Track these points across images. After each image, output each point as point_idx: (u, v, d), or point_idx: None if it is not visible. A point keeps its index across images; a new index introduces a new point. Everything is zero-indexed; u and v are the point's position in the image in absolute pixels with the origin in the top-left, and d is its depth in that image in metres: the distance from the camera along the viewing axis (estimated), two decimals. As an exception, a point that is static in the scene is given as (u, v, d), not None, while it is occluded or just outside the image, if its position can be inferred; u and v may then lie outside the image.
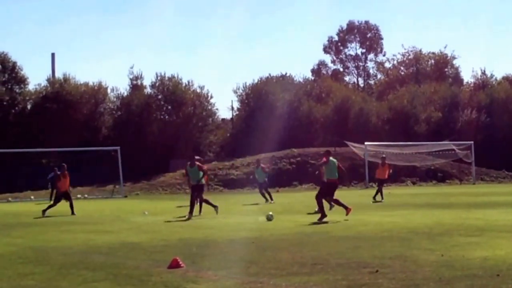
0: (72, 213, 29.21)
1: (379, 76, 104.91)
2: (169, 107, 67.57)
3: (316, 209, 27.10)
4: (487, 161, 61.76)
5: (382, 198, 34.18)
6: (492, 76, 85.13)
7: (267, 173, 36.54)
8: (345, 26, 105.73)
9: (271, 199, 34.99)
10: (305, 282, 10.76)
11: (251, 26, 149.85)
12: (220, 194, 48.39)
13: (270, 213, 22.59)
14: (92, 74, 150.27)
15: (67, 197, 30.13)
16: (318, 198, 22.80)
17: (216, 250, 15.30)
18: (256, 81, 73.17)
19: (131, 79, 69.58)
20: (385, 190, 36.77)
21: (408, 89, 78.40)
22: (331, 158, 23.40)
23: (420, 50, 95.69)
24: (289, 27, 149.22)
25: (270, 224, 21.39)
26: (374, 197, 34.42)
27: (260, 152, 57.30)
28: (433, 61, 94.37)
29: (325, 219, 21.88)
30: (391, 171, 36.25)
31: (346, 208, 22.85)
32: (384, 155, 38.50)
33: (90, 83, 66.81)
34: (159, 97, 68.11)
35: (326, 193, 23.26)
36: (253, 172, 54.22)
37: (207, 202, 25.99)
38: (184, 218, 24.65)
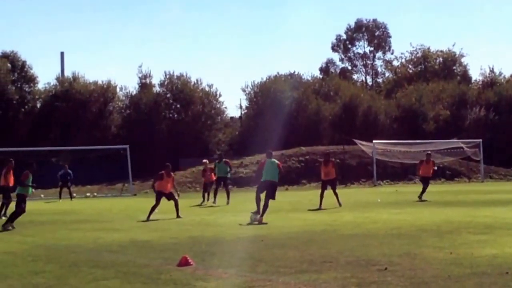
0: (4, 214, 26.84)
1: (387, 74, 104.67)
2: (178, 105, 67.56)
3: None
4: (495, 159, 61.65)
5: (422, 196, 32.37)
6: (500, 74, 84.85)
7: (230, 169, 34.95)
8: (353, 25, 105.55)
9: (214, 200, 33.54)
10: (314, 279, 10.80)
11: (259, 24, 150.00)
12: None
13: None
14: (101, 73, 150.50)
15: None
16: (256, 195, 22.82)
17: (225, 248, 15.36)
18: (264, 79, 73.17)
19: (140, 78, 69.66)
20: (392, 188, 36.70)
21: (416, 87, 78.14)
22: (269, 159, 23.41)
23: (428, 48, 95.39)
24: (297, 25, 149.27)
25: (278, 222, 21.43)
26: (419, 196, 32.31)
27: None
28: (441, 59, 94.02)
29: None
30: (435, 168, 34.65)
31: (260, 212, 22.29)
32: (429, 151, 36.90)
33: (99, 82, 66.84)
34: (168, 95, 68.09)
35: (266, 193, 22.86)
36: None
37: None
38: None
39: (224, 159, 35.18)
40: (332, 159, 31.69)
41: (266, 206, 22.23)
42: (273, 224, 20.97)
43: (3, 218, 26.12)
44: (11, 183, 27.55)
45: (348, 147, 58.75)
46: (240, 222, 21.75)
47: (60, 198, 41.90)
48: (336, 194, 28.68)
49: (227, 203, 32.68)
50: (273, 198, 22.55)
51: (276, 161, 23.62)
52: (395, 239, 15.84)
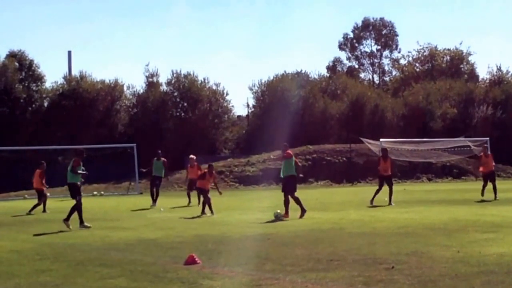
0: (44, 210, 29.85)
1: (394, 72, 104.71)
2: (185, 104, 67.63)
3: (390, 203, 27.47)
4: (503, 158, 61.49)
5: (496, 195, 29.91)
6: (507, 72, 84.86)
7: (164, 169, 32.71)
8: (360, 23, 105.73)
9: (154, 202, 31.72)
10: (321, 278, 10.78)
11: (267, 23, 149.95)
12: (236, 190, 48.41)
13: (278, 210, 22.50)
14: (108, 71, 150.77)
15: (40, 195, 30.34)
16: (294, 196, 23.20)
17: (232, 246, 15.34)
18: (271, 78, 73.25)
19: (147, 77, 69.73)
20: (400, 187, 36.40)
21: (423, 85, 78.20)
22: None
23: (435, 47, 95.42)
24: (304, 24, 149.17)
25: (285, 221, 21.42)
26: (495, 195, 29.83)
27: (276, 149, 57.27)
28: (448, 57, 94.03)
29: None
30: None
31: (302, 209, 22.81)
32: (485, 144, 33.30)
33: (106, 81, 66.99)
34: (175, 94, 68.18)
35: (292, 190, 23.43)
36: (265, 169, 54.37)
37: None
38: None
39: (162, 159, 32.94)
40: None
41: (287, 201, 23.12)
42: (280, 222, 20.97)
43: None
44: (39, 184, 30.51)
45: (355, 146, 58.74)
46: (250, 221, 21.76)
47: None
48: (391, 191, 28.47)
49: (153, 204, 31.29)
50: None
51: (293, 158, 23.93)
52: (403, 237, 15.81)
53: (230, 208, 29.11)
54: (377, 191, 28.69)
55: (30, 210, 28.79)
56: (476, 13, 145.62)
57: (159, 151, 33.75)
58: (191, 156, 33.42)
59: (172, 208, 29.69)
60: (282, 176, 23.79)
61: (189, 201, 32.05)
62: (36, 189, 30.70)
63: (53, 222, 23.78)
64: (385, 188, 28.50)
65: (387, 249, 13.80)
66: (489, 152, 31.17)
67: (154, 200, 31.64)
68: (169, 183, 51.21)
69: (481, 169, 31.41)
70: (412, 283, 10.14)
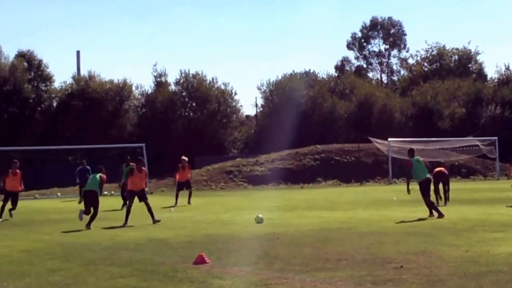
0: (10, 215, 26.44)
1: (402, 72, 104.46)
2: (194, 104, 67.66)
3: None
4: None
5: None
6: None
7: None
8: (368, 23, 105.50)
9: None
10: (330, 277, 10.82)
11: (275, 23, 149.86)
12: (245, 190, 48.41)
13: (260, 215, 21.57)
14: (117, 71, 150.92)
15: (14, 197, 27.13)
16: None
17: (241, 246, 15.39)
18: (280, 77, 73.21)
19: (155, 76, 69.80)
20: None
21: (432, 85, 78.01)
22: (413, 158, 22.76)
23: (444, 46, 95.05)
24: (313, 23, 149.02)
25: (294, 220, 21.46)
26: None
27: (284, 149, 57.32)
28: (456, 56, 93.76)
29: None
30: None
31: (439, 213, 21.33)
32: None
33: (115, 81, 67.03)
34: (184, 94, 68.19)
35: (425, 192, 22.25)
36: (274, 169, 54.35)
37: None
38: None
39: (131, 164, 33.00)
40: None
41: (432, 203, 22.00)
42: (289, 222, 21.00)
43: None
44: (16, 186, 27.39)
45: (363, 145, 58.68)
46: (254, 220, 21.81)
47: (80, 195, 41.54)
48: (448, 190, 27.74)
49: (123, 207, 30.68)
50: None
51: (421, 158, 23.09)
52: (411, 237, 15.85)
53: (239, 207, 29.16)
54: (445, 191, 27.72)
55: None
56: (484, 12, 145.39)
57: (128, 157, 33.98)
58: (183, 157, 33.34)
59: (181, 207, 29.77)
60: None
61: (176, 202, 32.00)
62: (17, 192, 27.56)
63: (64, 222, 23.88)
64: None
65: (395, 248, 13.84)
66: None
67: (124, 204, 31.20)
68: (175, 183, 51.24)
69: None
70: (421, 282, 10.18)
